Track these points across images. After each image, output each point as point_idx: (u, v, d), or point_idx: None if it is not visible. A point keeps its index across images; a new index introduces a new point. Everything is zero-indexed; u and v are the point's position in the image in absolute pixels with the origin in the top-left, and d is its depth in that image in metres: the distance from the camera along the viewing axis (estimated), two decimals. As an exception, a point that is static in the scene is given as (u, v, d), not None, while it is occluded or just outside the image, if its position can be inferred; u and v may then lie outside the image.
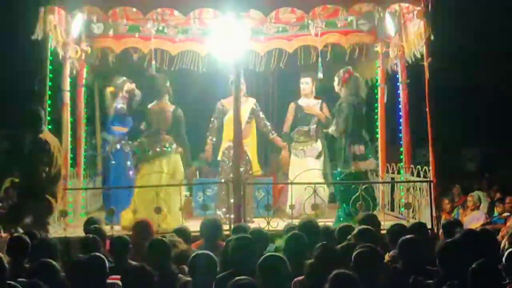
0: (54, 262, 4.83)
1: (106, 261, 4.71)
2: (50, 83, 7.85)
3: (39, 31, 7.59)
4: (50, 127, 7.73)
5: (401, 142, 9.42)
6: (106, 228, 6.86)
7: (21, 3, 9.91)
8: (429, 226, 7.30)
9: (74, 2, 8.07)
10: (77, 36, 8.97)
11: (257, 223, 7.73)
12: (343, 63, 9.20)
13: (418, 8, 7.99)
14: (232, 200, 7.82)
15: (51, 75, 7.93)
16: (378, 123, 9.90)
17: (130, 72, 9.41)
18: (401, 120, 9.37)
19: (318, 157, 9.35)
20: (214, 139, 9.24)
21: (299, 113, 9.43)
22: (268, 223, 7.61)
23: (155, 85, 8.66)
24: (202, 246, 6.08)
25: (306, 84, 9.39)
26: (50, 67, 7.91)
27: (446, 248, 4.81)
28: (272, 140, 9.50)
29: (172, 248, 5.38)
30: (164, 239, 5.50)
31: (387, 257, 5.57)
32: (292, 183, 8.28)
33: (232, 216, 7.64)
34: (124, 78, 9.04)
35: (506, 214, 10.04)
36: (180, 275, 5.06)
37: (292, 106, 9.53)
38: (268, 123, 9.40)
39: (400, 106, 9.38)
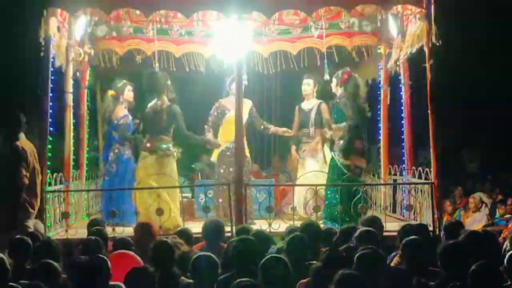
0: (55, 264, 4.82)
1: (108, 263, 4.72)
2: (52, 85, 7.85)
3: (42, 33, 7.57)
4: (51, 129, 7.74)
5: (403, 144, 9.42)
6: (108, 230, 6.86)
7: (23, 6, 9.91)
8: (430, 228, 7.30)
9: (77, 4, 8.04)
10: (80, 38, 8.97)
11: (259, 224, 7.71)
12: (347, 64, 9.17)
13: (420, 9, 8.00)
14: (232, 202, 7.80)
15: (53, 77, 7.95)
16: (381, 124, 9.88)
17: (134, 74, 9.38)
18: (403, 121, 9.37)
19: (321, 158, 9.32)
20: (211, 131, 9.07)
21: (301, 115, 9.43)
22: (270, 225, 7.61)
23: (155, 82, 8.47)
24: (204, 248, 6.07)
25: (308, 85, 9.37)
26: (52, 69, 7.92)
27: (448, 249, 4.79)
28: (274, 133, 9.46)
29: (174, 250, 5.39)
30: (167, 240, 5.51)
31: (396, 258, 5.53)
32: (294, 185, 8.27)
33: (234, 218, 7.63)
34: (125, 81, 9.01)
35: (508, 215, 10.05)
36: (182, 277, 5.06)
37: (296, 109, 9.53)
38: (262, 120, 9.33)
39: (402, 107, 9.38)
